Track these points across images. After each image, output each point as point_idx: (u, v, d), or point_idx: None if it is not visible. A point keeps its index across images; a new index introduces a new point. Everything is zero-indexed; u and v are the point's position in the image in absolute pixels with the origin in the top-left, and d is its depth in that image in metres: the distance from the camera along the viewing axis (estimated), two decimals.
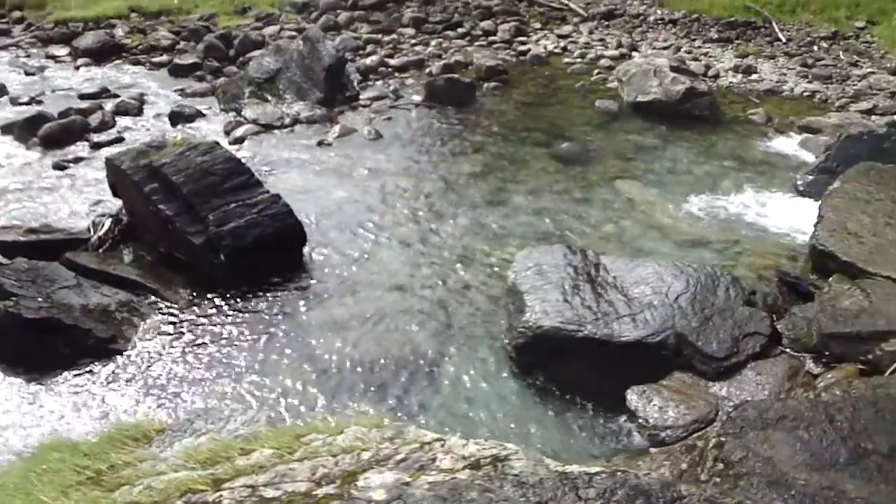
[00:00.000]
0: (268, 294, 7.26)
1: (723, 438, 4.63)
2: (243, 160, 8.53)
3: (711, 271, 6.52)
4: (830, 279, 6.45)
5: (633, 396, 5.78)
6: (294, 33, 14.88)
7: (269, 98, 11.89)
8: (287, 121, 11.32)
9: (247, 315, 7.00)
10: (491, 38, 15.92)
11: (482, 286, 7.43)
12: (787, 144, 11.17)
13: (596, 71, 14.04)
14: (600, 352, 6.03)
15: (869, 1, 19.00)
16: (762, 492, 4.09)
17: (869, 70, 15.53)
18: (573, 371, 6.11)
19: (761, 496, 4.03)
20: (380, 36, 15.52)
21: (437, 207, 8.90)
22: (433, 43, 15.38)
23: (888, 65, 15.79)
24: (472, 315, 7.00)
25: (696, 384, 5.86)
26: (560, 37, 16.49)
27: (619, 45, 15.80)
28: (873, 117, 12.52)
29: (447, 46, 15.20)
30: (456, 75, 12.85)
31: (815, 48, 16.99)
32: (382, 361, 6.39)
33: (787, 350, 5.97)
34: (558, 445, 5.57)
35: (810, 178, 9.29)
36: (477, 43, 15.67)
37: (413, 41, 15.47)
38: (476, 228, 8.47)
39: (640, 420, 5.66)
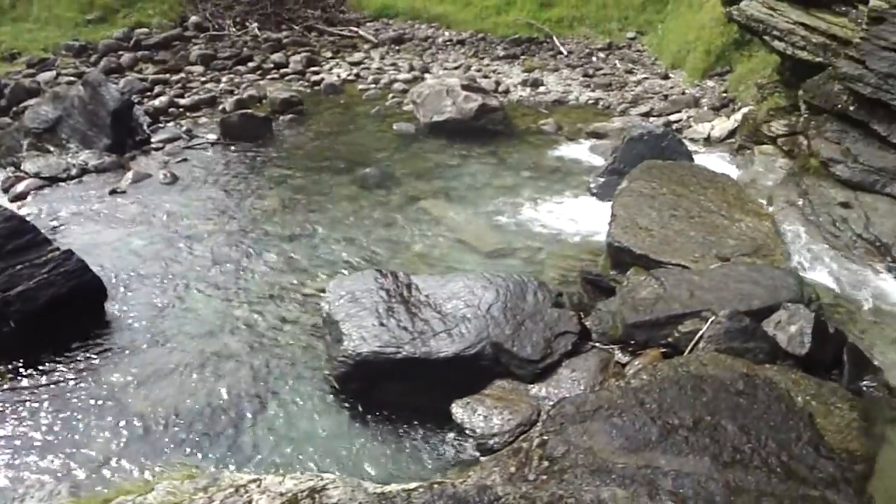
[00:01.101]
0: (69, 357, 6.78)
1: (545, 437, 4.78)
2: (27, 217, 7.97)
3: (519, 279, 6.74)
4: (628, 273, 6.85)
5: (458, 410, 5.86)
6: (73, 78, 14.04)
7: (52, 149, 11.17)
8: (74, 171, 10.67)
9: (46, 383, 6.50)
10: (283, 71, 15.81)
11: (297, 320, 7.31)
12: (578, 150, 11.79)
13: (391, 95, 14.27)
14: (422, 370, 6.07)
15: (636, 14, 20.45)
16: (586, 480, 4.24)
17: (643, 76, 16.70)
18: (398, 392, 6.13)
19: (585, 484, 4.18)
20: (167, 75, 14.99)
21: (243, 246, 8.68)
22: (224, 79, 15.07)
23: (659, 70, 17.05)
24: (290, 351, 6.87)
25: (517, 389, 6.02)
26: (353, 64, 16.64)
27: (412, 68, 16.15)
28: (651, 119, 13.47)
29: (239, 82, 14.93)
30: (250, 110, 12.64)
31: (594, 59, 18.09)
32: (199, 411, 6.12)
33: (597, 344, 6.26)
34: (390, 468, 5.55)
35: (601, 180, 9.84)
36: (269, 76, 15.52)
37: (203, 79, 15.07)
38: (285, 263, 8.34)
39: (468, 431, 5.74)
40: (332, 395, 6.27)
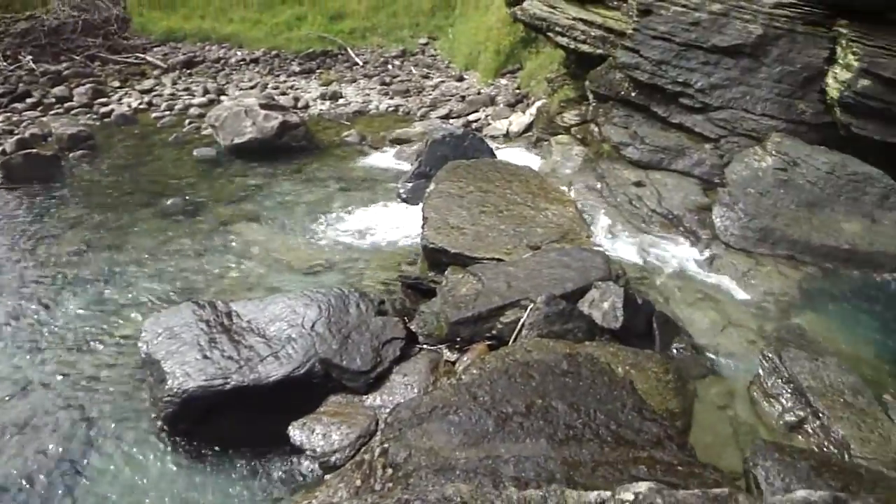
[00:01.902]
0: None
1: (386, 445, 4.76)
2: None
3: (340, 292, 6.69)
4: (446, 272, 6.95)
5: (295, 432, 5.73)
6: None
7: None
8: None
9: None
10: (68, 104, 14.92)
11: (115, 366, 6.87)
12: (383, 158, 11.89)
13: (187, 121, 13.79)
14: (253, 398, 5.88)
15: (427, 20, 20.90)
16: (431, 481, 4.26)
17: (439, 80, 17.08)
18: (232, 424, 5.90)
19: (430, 485, 4.20)
20: None
21: (45, 296, 8.07)
22: (0, 118, 13.99)
23: (453, 73, 17.50)
24: (111, 400, 6.44)
25: (352, 402, 5.97)
26: (143, 92, 15.97)
27: (206, 92, 15.68)
28: (451, 120, 13.81)
29: (18, 120, 13.93)
30: (35, 150, 11.79)
31: (390, 67, 18.32)
32: (11, 483, 5.63)
33: (425, 346, 6.32)
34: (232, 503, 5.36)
35: (409, 185, 9.96)
36: (53, 111, 14.60)
37: None
38: (94, 307, 7.83)
39: (309, 452, 5.63)
40: (160, 439, 5.95)
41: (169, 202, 10.11)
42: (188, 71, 17.69)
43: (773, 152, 9.03)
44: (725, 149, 9.65)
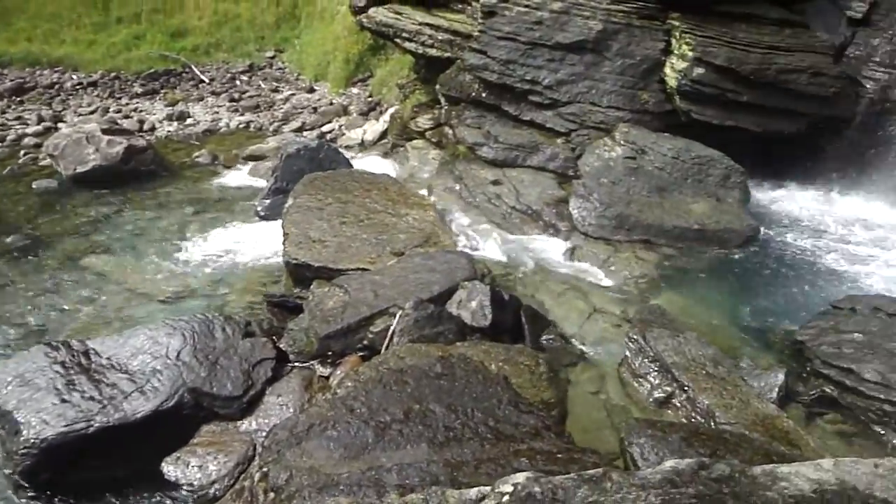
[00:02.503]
0: None
1: (265, 469, 4.64)
2: None
3: (204, 317, 6.46)
4: (311, 287, 6.85)
5: (169, 468, 5.49)
6: None
7: None
8: None
9: None
10: None
11: None
12: (238, 177, 11.62)
13: (23, 152, 13.01)
14: (121, 437, 5.59)
15: (272, 33, 20.61)
16: (315, 499, 4.19)
17: (290, 92, 16.87)
18: (100, 468, 5.59)
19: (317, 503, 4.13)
20: None
21: None
22: None
23: (304, 85, 17.32)
24: None
25: (226, 429, 5.78)
26: None
27: (42, 119, 14.84)
28: (304, 133, 13.66)
29: None
30: None
31: (238, 83, 17.95)
32: None
33: (296, 364, 6.19)
34: None
35: (267, 201, 9.76)
36: None
37: None
38: None
39: (186, 487, 5.41)
40: (19, 495, 5.57)
41: (9, 240, 9.48)
42: (18, 98, 16.67)
43: (622, 142, 9.40)
44: (577, 142, 9.97)
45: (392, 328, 6.01)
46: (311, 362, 6.17)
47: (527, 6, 10.27)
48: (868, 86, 10.11)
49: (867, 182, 9.75)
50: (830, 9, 10.52)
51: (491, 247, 8.43)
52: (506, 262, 8.17)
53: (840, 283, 7.78)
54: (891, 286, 7.57)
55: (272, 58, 19.72)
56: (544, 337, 6.52)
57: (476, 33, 10.63)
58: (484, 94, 10.59)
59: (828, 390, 5.81)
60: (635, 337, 6.30)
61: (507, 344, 5.98)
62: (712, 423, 5.36)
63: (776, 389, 5.78)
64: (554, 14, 10.15)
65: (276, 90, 17.16)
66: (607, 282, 7.72)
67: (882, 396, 5.48)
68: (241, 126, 14.65)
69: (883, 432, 5.43)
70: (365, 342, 6.10)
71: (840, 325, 6.25)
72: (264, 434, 5.36)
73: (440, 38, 11.34)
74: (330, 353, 6.12)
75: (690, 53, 9.53)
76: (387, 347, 5.92)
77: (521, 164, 10.01)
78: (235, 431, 5.76)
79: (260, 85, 17.63)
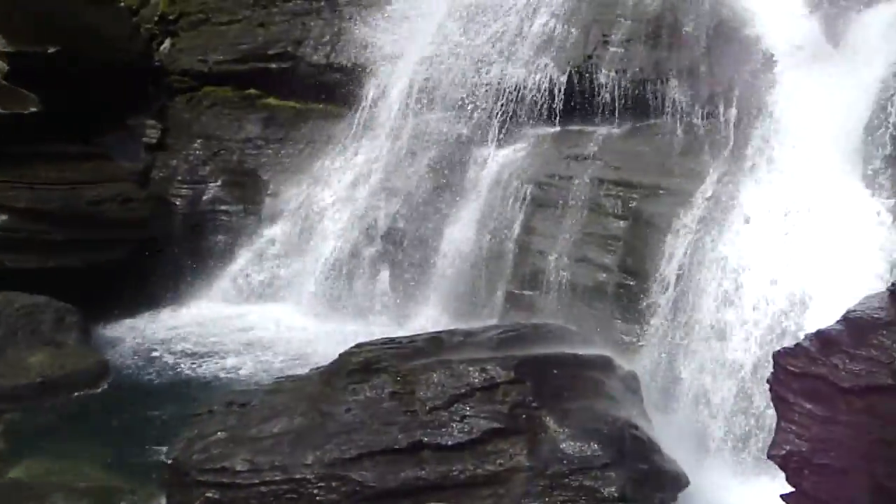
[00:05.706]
0: None
1: None
2: None
3: None
4: None
5: None
6: None
7: None
8: None
9: None
10: None
11: None
12: None
13: None
14: None
15: None
16: None
17: None
18: None
19: None
20: None
21: None
22: None
23: None
24: None
25: None
26: None
27: None
28: None
29: None
30: None
31: None
32: None
33: None
34: None
35: None
36: None
37: None
38: None
39: None
40: None
41: None
42: None
43: None
44: None
45: None
46: None
47: None
48: (178, 203, 10.90)
49: (196, 293, 10.40)
50: (128, 137, 11.15)
51: None
52: None
53: (201, 390, 8.04)
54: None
55: None
56: None
57: None
58: None
59: (210, 495, 5.88)
60: None
61: None
62: None
63: None
64: None
65: None
66: None
67: (256, 481, 5.75)
68: None
69: None
70: None
71: (204, 431, 6.38)
72: None
73: None
74: None
75: None
76: None
77: None
78: None
79: None
